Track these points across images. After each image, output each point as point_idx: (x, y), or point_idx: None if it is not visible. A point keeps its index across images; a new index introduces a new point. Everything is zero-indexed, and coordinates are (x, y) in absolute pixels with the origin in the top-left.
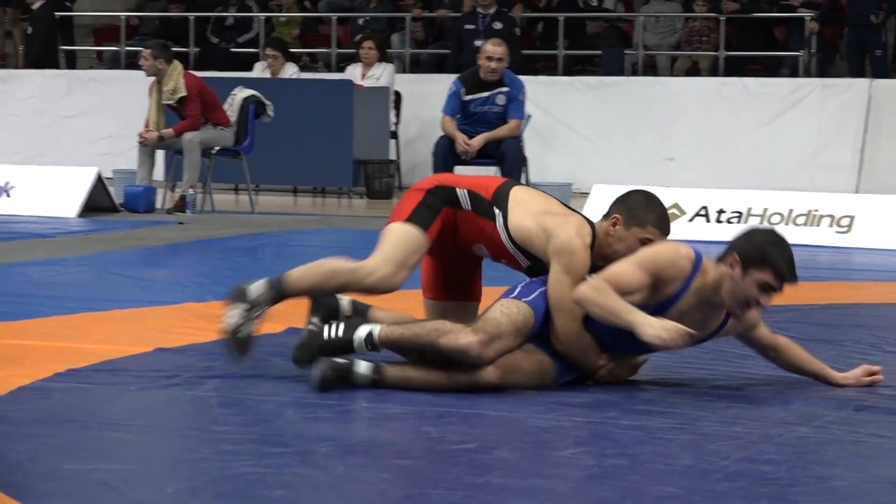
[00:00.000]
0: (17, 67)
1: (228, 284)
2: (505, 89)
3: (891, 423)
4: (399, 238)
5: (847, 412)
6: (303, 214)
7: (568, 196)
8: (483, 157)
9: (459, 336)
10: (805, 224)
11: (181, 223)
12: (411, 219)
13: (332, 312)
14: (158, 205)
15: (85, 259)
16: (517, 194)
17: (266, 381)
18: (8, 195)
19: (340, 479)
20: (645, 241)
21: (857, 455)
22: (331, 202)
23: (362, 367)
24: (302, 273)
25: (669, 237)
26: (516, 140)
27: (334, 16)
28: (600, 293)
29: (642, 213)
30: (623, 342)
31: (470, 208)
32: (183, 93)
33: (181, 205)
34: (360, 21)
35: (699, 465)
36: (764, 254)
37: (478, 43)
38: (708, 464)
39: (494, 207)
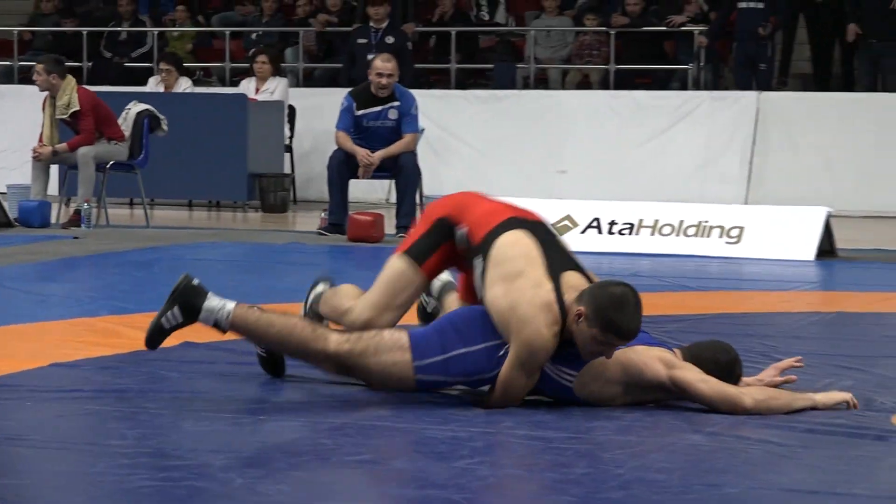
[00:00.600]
0: None
1: (122, 299)
2: (396, 103)
3: (780, 431)
4: (389, 277)
5: (738, 419)
6: (198, 228)
7: None
8: (379, 171)
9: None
10: (695, 235)
11: (76, 237)
12: (409, 251)
13: None
14: (53, 219)
15: None
16: (499, 250)
17: (162, 395)
18: None
19: (237, 492)
20: (603, 343)
21: (748, 462)
22: (226, 216)
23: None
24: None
25: None
26: (412, 154)
27: (227, 30)
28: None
29: (608, 316)
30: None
31: (461, 249)
32: (76, 107)
33: (76, 219)
34: (254, 35)
35: (594, 473)
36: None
37: (370, 57)
38: (603, 472)
39: (475, 258)
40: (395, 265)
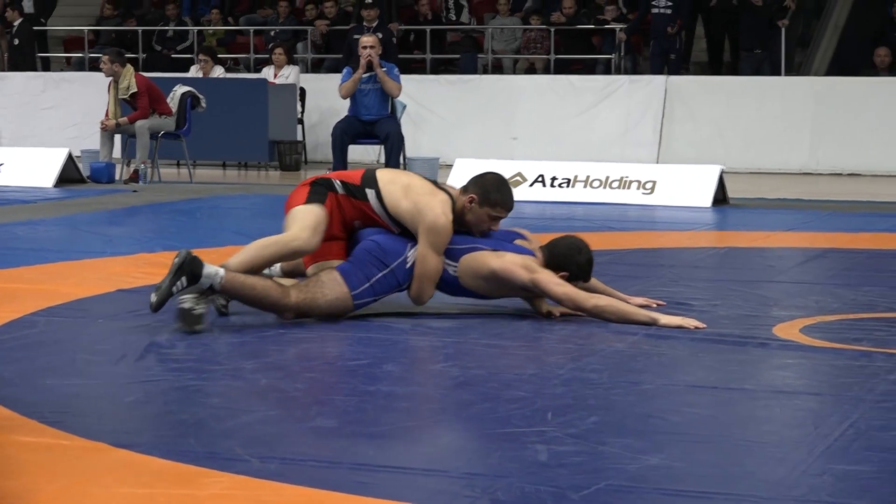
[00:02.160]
0: (2, 70)
1: (171, 238)
2: (384, 69)
3: (687, 340)
4: (306, 213)
5: (652, 331)
6: (230, 183)
7: (436, 168)
8: (371, 138)
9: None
10: (618, 188)
11: (135, 191)
12: (309, 200)
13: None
14: (117, 177)
15: (59, 220)
16: (384, 175)
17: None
18: None
19: (263, 389)
20: (494, 218)
21: (660, 364)
22: (252, 173)
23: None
24: (239, 258)
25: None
26: (397, 124)
27: (251, 28)
28: (601, 307)
29: (493, 196)
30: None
31: (345, 193)
32: (134, 89)
33: (135, 177)
34: (272, 33)
35: (541, 373)
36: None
37: (355, 37)
38: (548, 373)
39: (365, 189)
40: (308, 207)
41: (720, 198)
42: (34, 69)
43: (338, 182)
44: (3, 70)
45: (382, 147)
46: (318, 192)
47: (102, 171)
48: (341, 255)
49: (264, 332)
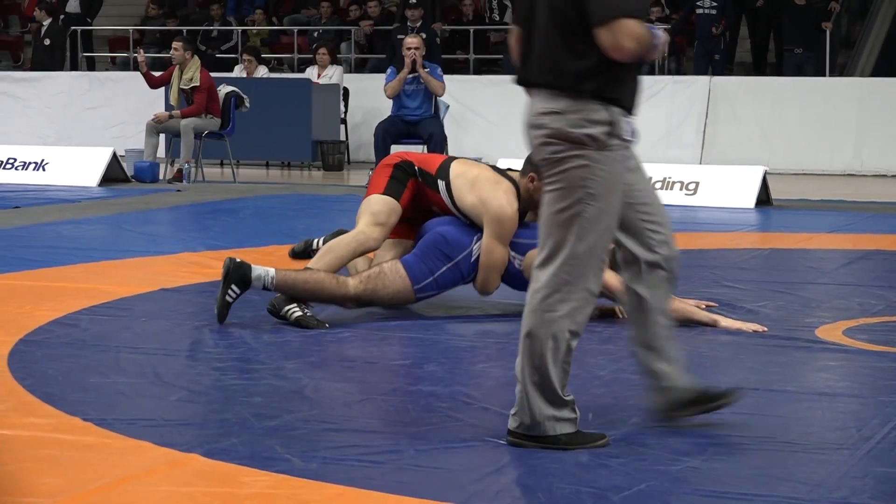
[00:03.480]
0: (27, 70)
1: (215, 238)
2: (426, 70)
3: (728, 341)
4: (381, 206)
5: (694, 333)
6: (273, 183)
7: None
8: (414, 138)
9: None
10: (661, 188)
11: (179, 190)
12: (387, 191)
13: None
14: (161, 176)
15: (104, 219)
16: (456, 168)
17: (246, 313)
18: (44, 169)
19: (305, 388)
20: None
21: (702, 365)
22: (295, 173)
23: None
24: (324, 260)
25: None
26: (440, 124)
27: (295, 28)
28: None
29: None
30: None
31: (422, 180)
32: (196, 83)
33: (179, 176)
34: (316, 33)
35: (582, 374)
36: None
37: (399, 37)
38: (589, 374)
39: (438, 180)
40: (384, 199)
41: (763, 199)
42: (61, 69)
43: (418, 168)
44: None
45: (425, 147)
46: (399, 179)
47: (146, 170)
48: (413, 237)
49: (306, 333)
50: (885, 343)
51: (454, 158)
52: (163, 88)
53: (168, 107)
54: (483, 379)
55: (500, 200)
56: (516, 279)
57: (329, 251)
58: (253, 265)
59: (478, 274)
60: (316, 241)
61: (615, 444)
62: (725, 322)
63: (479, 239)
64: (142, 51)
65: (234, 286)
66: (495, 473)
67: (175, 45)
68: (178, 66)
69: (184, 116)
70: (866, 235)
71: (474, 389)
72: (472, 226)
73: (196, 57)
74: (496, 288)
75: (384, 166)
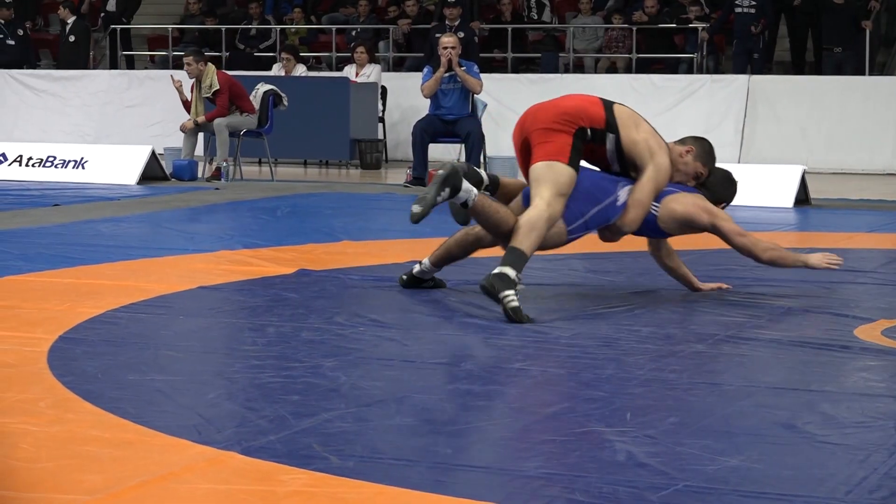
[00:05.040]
0: (87, 68)
1: (253, 236)
2: (463, 68)
3: (768, 342)
4: (564, 177)
5: (733, 332)
6: (311, 181)
7: (517, 167)
8: (451, 136)
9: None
10: None
11: (217, 189)
12: (570, 162)
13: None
14: (199, 175)
15: (142, 217)
16: (622, 119)
17: (284, 311)
18: (83, 167)
19: (342, 386)
20: (698, 176)
21: (741, 366)
22: (332, 172)
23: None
24: (530, 240)
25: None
26: (478, 123)
27: (334, 27)
28: (775, 254)
29: (708, 158)
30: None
31: (591, 140)
32: (217, 87)
33: (217, 174)
34: (354, 32)
35: (620, 374)
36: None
37: (437, 35)
38: (627, 373)
39: (608, 133)
40: (567, 170)
41: (802, 198)
42: (86, 67)
43: (588, 130)
44: (88, 68)
45: (463, 146)
46: (579, 150)
47: (185, 168)
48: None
49: (343, 330)
50: None
51: (613, 105)
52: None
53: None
54: (520, 378)
55: (666, 158)
56: (650, 226)
57: (531, 233)
58: (465, 181)
59: (626, 211)
60: (418, 266)
61: (653, 444)
62: (813, 260)
63: (623, 185)
64: (174, 77)
65: (447, 190)
66: (532, 472)
67: (186, 59)
68: (195, 81)
69: (209, 120)
70: None
71: (511, 388)
72: (613, 175)
73: (210, 64)
74: (636, 227)
75: (561, 128)
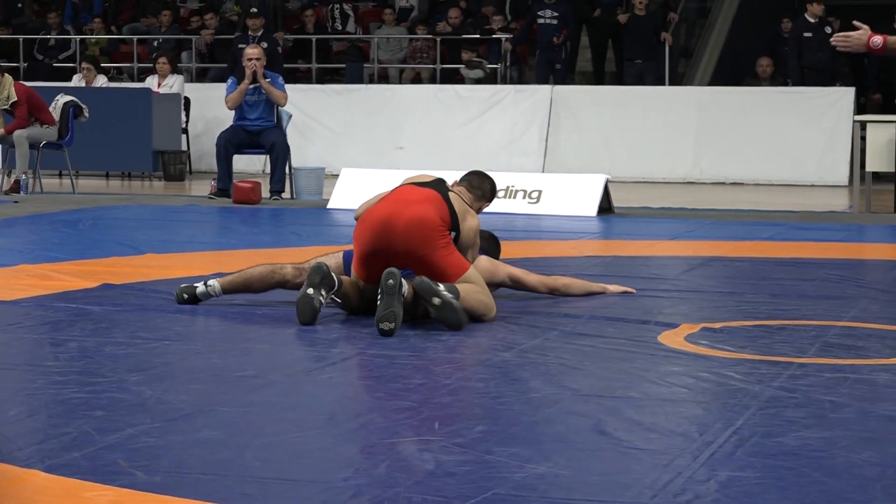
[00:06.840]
0: None
1: (54, 250)
2: (268, 80)
3: (573, 349)
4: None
5: (538, 341)
6: (114, 194)
7: (322, 178)
8: (256, 147)
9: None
10: (504, 197)
11: (16, 202)
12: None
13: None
14: None
15: None
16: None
17: (87, 325)
18: None
19: (147, 401)
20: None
21: (547, 373)
22: (135, 184)
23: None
24: (463, 290)
25: None
26: (282, 134)
27: (135, 37)
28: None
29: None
30: None
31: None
32: (14, 98)
33: (16, 187)
34: (155, 43)
35: (428, 383)
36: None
37: (241, 46)
38: (435, 382)
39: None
40: (475, 272)
41: (605, 207)
42: None
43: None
44: None
45: (268, 157)
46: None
47: None
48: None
49: (147, 344)
50: (727, 349)
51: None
52: None
53: None
54: (328, 389)
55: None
56: None
57: (475, 293)
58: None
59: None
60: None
61: (462, 452)
62: (612, 288)
63: None
64: None
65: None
66: (341, 484)
67: None
68: None
69: (8, 133)
70: (706, 242)
71: (318, 400)
72: None
73: (7, 75)
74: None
75: (447, 244)
